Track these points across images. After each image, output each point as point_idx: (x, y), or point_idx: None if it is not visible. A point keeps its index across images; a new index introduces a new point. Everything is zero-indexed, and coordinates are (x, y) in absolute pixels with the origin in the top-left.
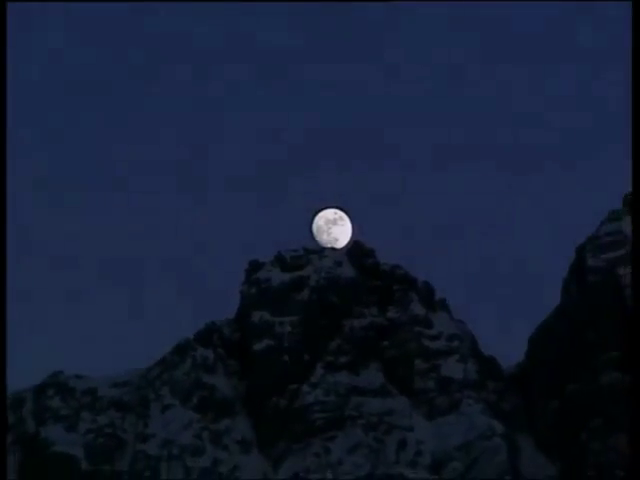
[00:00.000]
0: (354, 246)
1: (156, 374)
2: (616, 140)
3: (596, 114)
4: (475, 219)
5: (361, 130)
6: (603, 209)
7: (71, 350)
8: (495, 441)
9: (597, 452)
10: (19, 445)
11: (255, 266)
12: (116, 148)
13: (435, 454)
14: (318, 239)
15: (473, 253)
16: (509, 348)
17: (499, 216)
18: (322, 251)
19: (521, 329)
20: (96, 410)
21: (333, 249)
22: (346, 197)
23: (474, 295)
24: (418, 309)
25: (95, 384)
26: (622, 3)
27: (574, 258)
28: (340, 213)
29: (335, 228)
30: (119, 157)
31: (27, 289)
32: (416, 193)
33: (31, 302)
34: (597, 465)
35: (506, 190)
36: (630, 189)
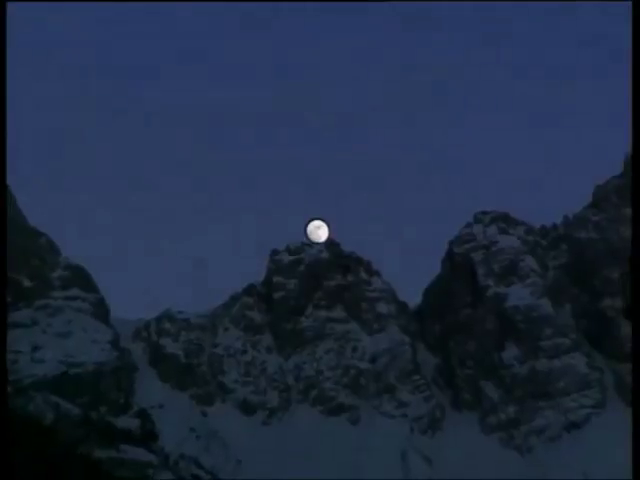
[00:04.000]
0: (329, 241)
1: (220, 311)
2: (466, 169)
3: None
4: (393, 224)
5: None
6: (462, 220)
7: (177, 295)
8: (405, 347)
9: (459, 352)
10: (148, 349)
11: (275, 252)
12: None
13: (373, 354)
14: (310, 237)
15: (397, 244)
16: (413, 297)
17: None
18: (311, 244)
19: (419, 286)
20: (189, 330)
21: (317, 243)
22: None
23: (395, 268)
24: (364, 275)
25: (188, 316)
26: (622, 3)
27: (447, 247)
28: (321, 222)
29: (319, 231)
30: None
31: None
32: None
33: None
34: (458, 358)
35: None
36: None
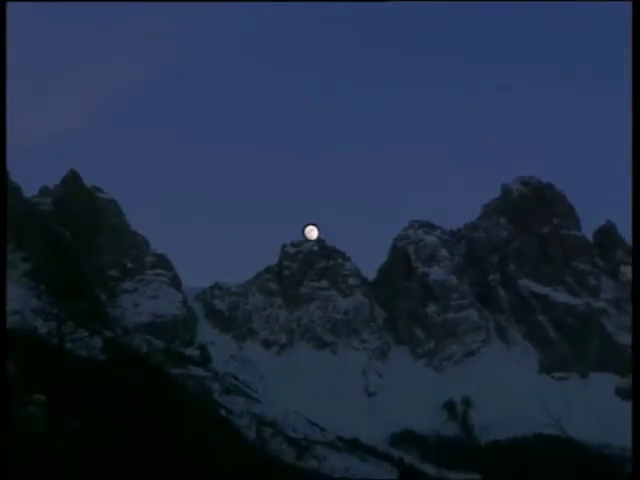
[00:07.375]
0: (318, 239)
1: (250, 283)
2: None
3: None
4: (359, 228)
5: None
6: (401, 225)
7: (222, 273)
8: (365, 305)
9: (399, 309)
10: (205, 307)
11: (284, 246)
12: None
13: (345, 310)
14: (306, 236)
15: (361, 240)
16: (371, 274)
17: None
18: (307, 241)
19: (375, 267)
20: (230, 295)
21: (311, 240)
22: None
23: (360, 256)
24: (340, 260)
25: (229, 286)
26: (622, 3)
27: (392, 242)
28: (314, 227)
29: (312, 232)
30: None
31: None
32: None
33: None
34: (399, 312)
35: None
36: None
